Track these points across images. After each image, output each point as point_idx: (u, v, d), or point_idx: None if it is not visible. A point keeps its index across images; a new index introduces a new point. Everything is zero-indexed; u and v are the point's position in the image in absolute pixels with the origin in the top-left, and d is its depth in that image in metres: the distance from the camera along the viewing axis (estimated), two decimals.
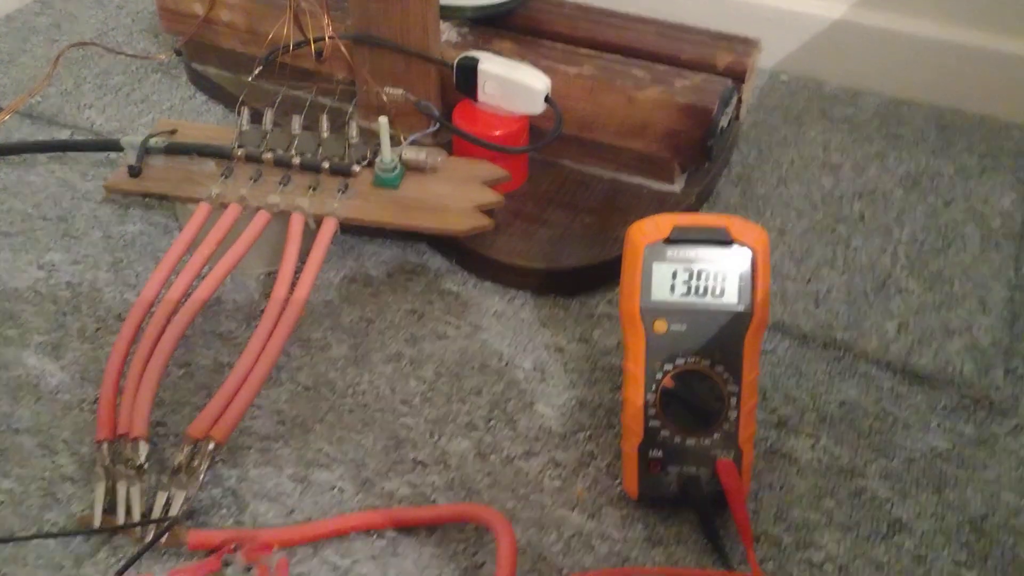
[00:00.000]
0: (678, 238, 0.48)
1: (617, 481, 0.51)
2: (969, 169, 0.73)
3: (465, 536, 0.49)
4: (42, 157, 0.74)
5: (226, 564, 0.44)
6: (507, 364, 0.58)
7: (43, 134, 0.76)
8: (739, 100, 0.68)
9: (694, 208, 0.68)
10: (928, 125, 0.79)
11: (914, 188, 0.71)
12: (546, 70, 0.65)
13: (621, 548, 0.49)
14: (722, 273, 0.48)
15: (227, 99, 0.78)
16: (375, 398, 0.56)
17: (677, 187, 0.68)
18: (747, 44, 0.69)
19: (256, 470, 0.52)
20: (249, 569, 0.44)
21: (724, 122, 0.65)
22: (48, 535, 0.48)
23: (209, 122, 0.78)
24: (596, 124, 0.67)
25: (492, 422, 0.55)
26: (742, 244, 0.48)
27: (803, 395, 0.56)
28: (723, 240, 0.48)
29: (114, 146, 0.68)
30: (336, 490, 0.51)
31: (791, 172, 0.73)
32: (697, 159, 0.66)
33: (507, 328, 0.61)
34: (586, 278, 0.63)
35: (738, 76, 0.67)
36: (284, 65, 0.72)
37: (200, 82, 0.81)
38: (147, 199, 0.68)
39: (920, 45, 0.80)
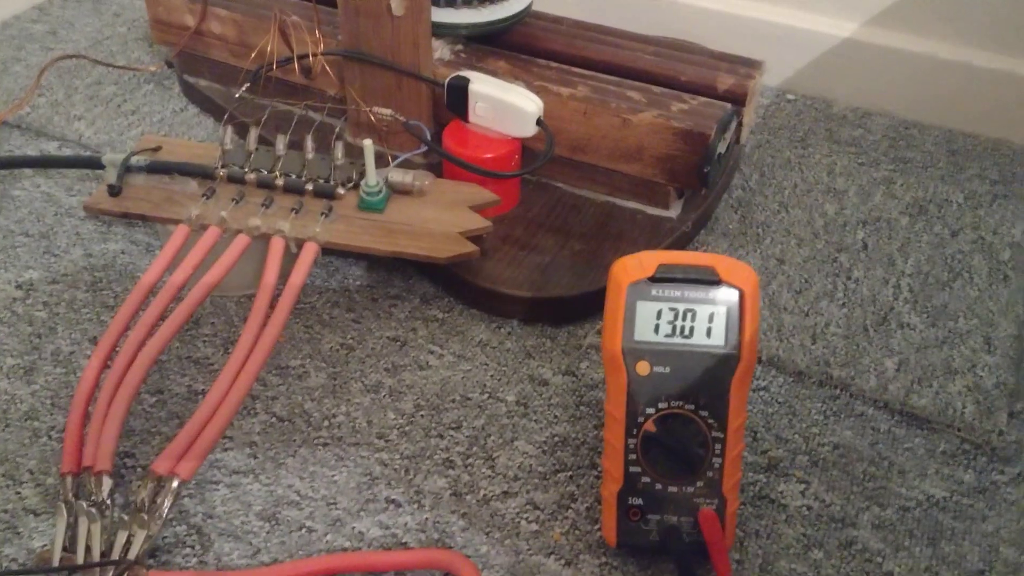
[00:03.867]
0: (663, 276, 0.46)
1: (596, 526, 0.49)
2: (979, 197, 0.71)
3: None
4: (27, 171, 0.72)
5: None
6: (489, 397, 0.56)
7: (32, 146, 0.75)
8: (739, 124, 0.66)
9: (690, 235, 0.66)
10: (938, 149, 0.76)
11: (920, 216, 0.69)
12: (539, 91, 0.63)
13: None
14: (709, 314, 0.46)
15: (218, 111, 0.77)
16: (351, 431, 0.54)
17: (673, 212, 0.66)
18: (750, 66, 0.67)
19: (223, 507, 0.50)
20: None
21: (722, 148, 0.63)
22: (6, 573, 0.47)
23: (200, 136, 0.76)
24: (589, 147, 0.65)
25: (470, 459, 0.53)
26: (730, 284, 0.46)
27: (795, 436, 0.54)
28: (710, 280, 0.46)
29: (95, 163, 0.66)
30: (305, 530, 0.49)
31: (793, 197, 0.71)
32: (693, 185, 0.63)
33: (491, 358, 0.59)
34: (574, 307, 0.61)
35: (739, 100, 0.65)
36: (275, 79, 0.70)
37: (192, 94, 0.79)
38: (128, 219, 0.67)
39: (932, 65, 0.77)
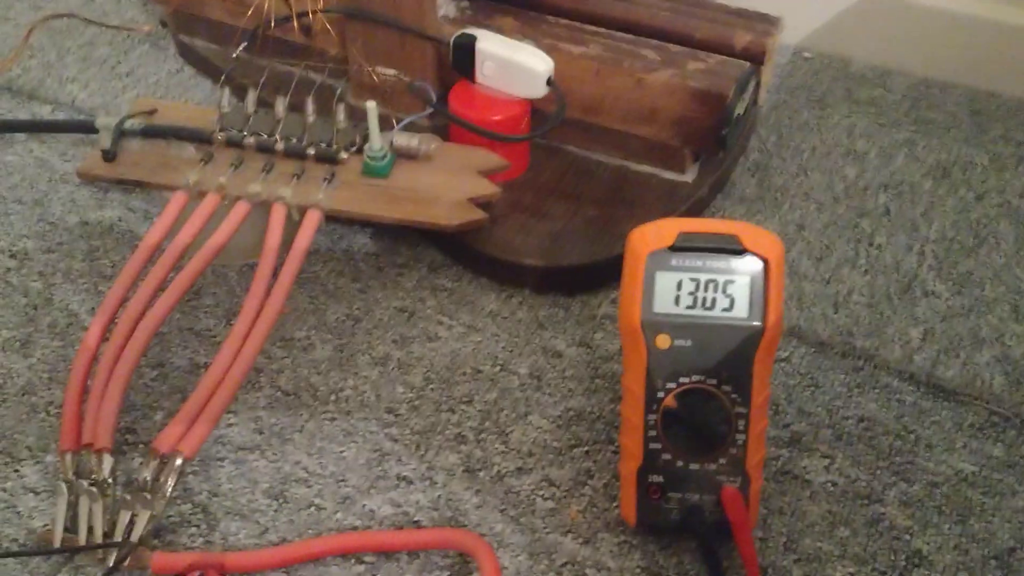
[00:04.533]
0: (684, 246, 0.44)
1: (614, 504, 0.48)
2: (1004, 159, 0.68)
3: (449, 562, 0.46)
4: (20, 135, 0.70)
5: None
6: (501, 369, 0.55)
7: (23, 109, 0.73)
8: (758, 84, 0.63)
9: (707, 200, 0.64)
10: (961, 109, 0.73)
11: (944, 180, 0.67)
12: (549, 49, 0.61)
13: None
14: (732, 285, 0.44)
15: (215, 73, 0.74)
16: (359, 405, 0.52)
17: (689, 177, 0.63)
18: (768, 22, 0.64)
19: (229, 484, 0.49)
20: None
21: (740, 109, 0.60)
22: (6, 554, 0.45)
23: (196, 97, 0.74)
24: (602, 108, 0.62)
25: (483, 434, 0.51)
26: (754, 254, 0.44)
27: (819, 409, 0.52)
28: (733, 249, 0.44)
29: (88, 127, 0.64)
30: (314, 508, 0.48)
31: (812, 160, 0.68)
32: (710, 148, 0.61)
33: (502, 329, 0.57)
34: (588, 276, 0.59)
35: (757, 58, 0.62)
36: (273, 39, 0.67)
37: (188, 55, 0.77)
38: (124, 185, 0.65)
39: (954, 21, 0.74)
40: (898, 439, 0.51)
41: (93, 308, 0.57)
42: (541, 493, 0.49)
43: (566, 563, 0.46)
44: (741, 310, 0.44)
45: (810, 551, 0.46)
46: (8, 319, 0.57)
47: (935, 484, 0.49)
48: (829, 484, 0.49)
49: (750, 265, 0.44)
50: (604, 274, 0.59)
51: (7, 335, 0.56)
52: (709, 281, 0.44)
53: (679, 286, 0.44)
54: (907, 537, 0.47)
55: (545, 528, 0.47)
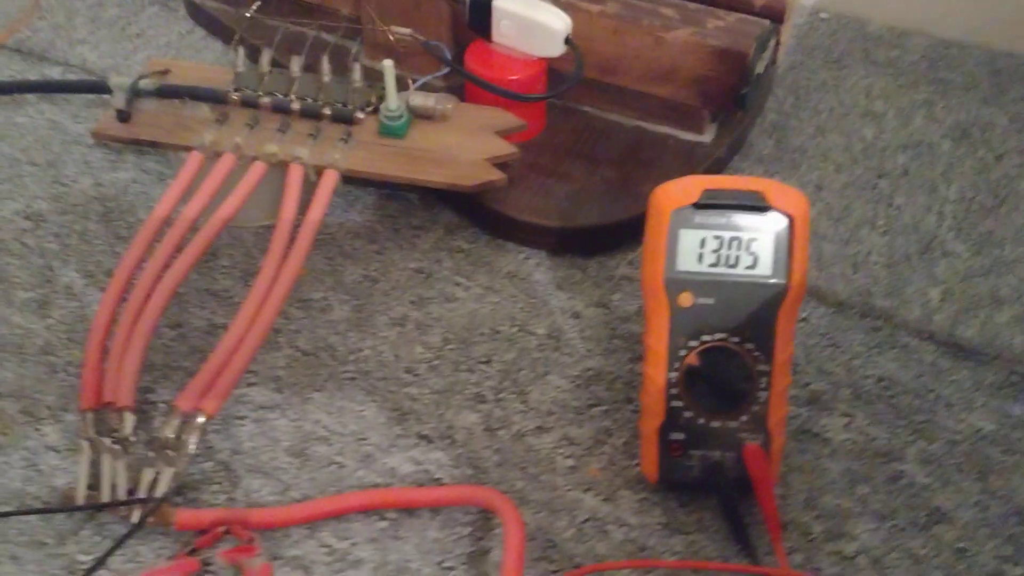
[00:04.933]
0: (708, 202, 0.44)
1: (635, 461, 0.48)
2: None
3: (471, 519, 0.46)
4: (31, 96, 0.69)
5: (205, 565, 0.41)
6: (519, 330, 0.54)
7: (34, 71, 0.72)
8: (777, 43, 0.62)
9: (725, 161, 0.63)
10: (980, 70, 0.73)
11: (963, 140, 0.66)
12: (566, 7, 0.60)
13: (637, 535, 0.45)
14: (756, 242, 0.44)
15: (226, 33, 0.73)
16: (378, 365, 0.53)
17: (707, 137, 0.63)
18: None
19: (251, 442, 0.49)
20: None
21: (760, 68, 0.59)
22: (30, 511, 0.45)
23: (207, 59, 0.73)
24: (620, 68, 0.61)
25: (502, 394, 0.51)
26: (779, 210, 0.44)
27: (838, 369, 0.52)
28: (758, 206, 0.44)
29: (102, 87, 0.63)
30: (335, 466, 0.48)
31: (830, 121, 0.68)
32: (729, 108, 0.61)
33: (520, 290, 0.57)
34: (605, 237, 0.58)
35: (777, 16, 0.62)
36: None
37: (198, 16, 0.76)
38: (139, 146, 0.64)
39: None
40: (917, 398, 0.51)
41: (110, 269, 0.57)
42: (561, 451, 0.49)
43: (587, 519, 0.46)
44: (765, 268, 0.44)
45: (830, 508, 0.46)
46: (25, 280, 0.57)
47: (955, 442, 0.49)
48: (849, 442, 0.49)
49: (775, 222, 0.44)
50: (622, 235, 0.58)
51: (24, 296, 0.56)
52: (733, 238, 0.44)
53: (702, 244, 0.44)
54: (927, 494, 0.47)
55: (566, 486, 0.47)
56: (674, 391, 0.45)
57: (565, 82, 0.59)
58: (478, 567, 0.44)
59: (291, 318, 0.55)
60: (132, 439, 0.46)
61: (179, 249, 0.53)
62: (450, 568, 0.44)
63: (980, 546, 0.45)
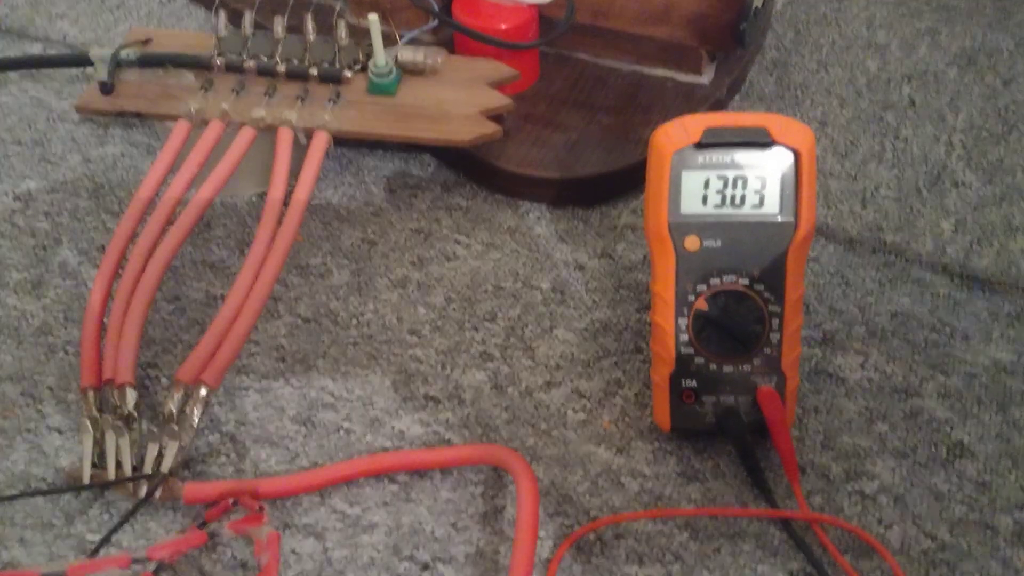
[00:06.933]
0: (710, 142, 0.42)
1: (647, 412, 0.47)
2: None
3: (483, 478, 0.45)
4: (13, 75, 0.68)
5: (212, 536, 0.40)
6: (523, 285, 0.53)
7: (14, 49, 0.70)
8: None
9: (725, 101, 0.61)
10: None
11: (969, 67, 0.64)
12: None
13: (653, 485, 0.44)
14: (761, 180, 0.42)
15: (207, 1, 0.71)
16: (381, 329, 0.52)
17: (706, 78, 0.61)
18: None
19: (255, 413, 0.48)
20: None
21: (758, 2, 0.58)
22: (36, 493, 0.45)
23: (190, 27, 0.71)
24: (613, 10, 0.60)
25: (509, 351, 0.50)
26: (784, 145, 0.42)
27: (850, 307, 0.51)
28: (762, 142, 0.42)
29: (83, 60, 0.62)
30: (343, 431, 0.47)
31: (832, 55, 0.66)
32: (728, 45, 0.59)
33: (521, 245, 0.55)
34: (606, 186, 0.57)
35: None
36: None
37: None
38: (124, 118, 0.63)
39: None
40: (933, 332, 0.50)
41: (103, 246, 0.56)
42: (572, 405, 0.48)
43: (601, 472, 0.45)
44: (772, 206, 0.43)
45: (848, 447, 0.45)
46: (17, 261, 0.56)
47: (973, 375, 0.48)
48: (865, 380, 0.48)
49: (780, 158, 0.42)
50: (623, 183, 0.57)
51: (18, 277, 0.55)
52: (737, 177, 0.43)
53: (706, 184, 0.43)
54: (947, 429, 0.46)
55: (578, 440, 0.46)
56: (684, 338, 0.43)
57: (557, 28, 0.58)
58: (492, 525, 0.43)
59: (290, 285, 0.54)
60: (135, 415, 0.45)
61: (171, 221, 0.52)
62: (464, 528, 0.43)
63: (1003, 478, 0.44)
